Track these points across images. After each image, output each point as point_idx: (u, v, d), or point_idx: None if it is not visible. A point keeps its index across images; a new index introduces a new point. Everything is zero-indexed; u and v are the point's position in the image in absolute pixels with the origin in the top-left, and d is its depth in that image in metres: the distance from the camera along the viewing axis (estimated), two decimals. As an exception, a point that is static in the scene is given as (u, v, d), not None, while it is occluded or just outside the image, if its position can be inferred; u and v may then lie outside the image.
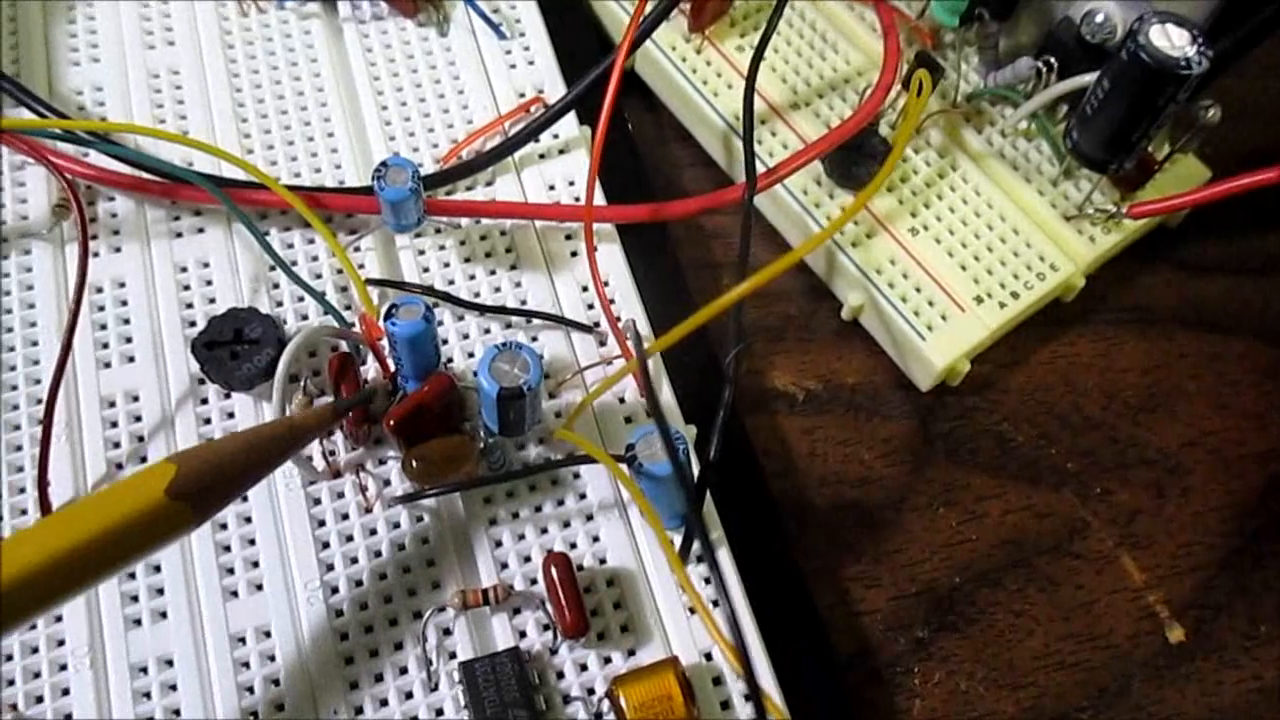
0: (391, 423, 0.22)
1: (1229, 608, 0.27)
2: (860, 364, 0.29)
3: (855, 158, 0.29)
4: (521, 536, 0.23)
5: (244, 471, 0.20)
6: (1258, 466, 0.28)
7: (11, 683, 0.21)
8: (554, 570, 0.22)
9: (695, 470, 0.23)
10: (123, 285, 0.26)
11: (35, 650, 0.22)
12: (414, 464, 0.22)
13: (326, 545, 0.23)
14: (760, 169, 0.27)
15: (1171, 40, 0.25)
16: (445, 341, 0.25)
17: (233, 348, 0.24)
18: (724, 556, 0.23)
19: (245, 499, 0.23)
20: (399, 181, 0.23)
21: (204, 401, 0.24)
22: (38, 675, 0.21)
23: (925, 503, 0.27)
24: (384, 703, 0.22)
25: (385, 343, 0.23)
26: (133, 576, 0.22)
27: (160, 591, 0.22)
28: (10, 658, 0.22)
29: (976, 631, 0.26)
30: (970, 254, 0.28)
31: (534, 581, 0.23)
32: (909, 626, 0.26)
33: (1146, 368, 0.29)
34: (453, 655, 0.22)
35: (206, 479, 0.19)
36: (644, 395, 0.21)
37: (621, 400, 0.25)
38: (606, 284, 0.26)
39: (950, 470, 0.28)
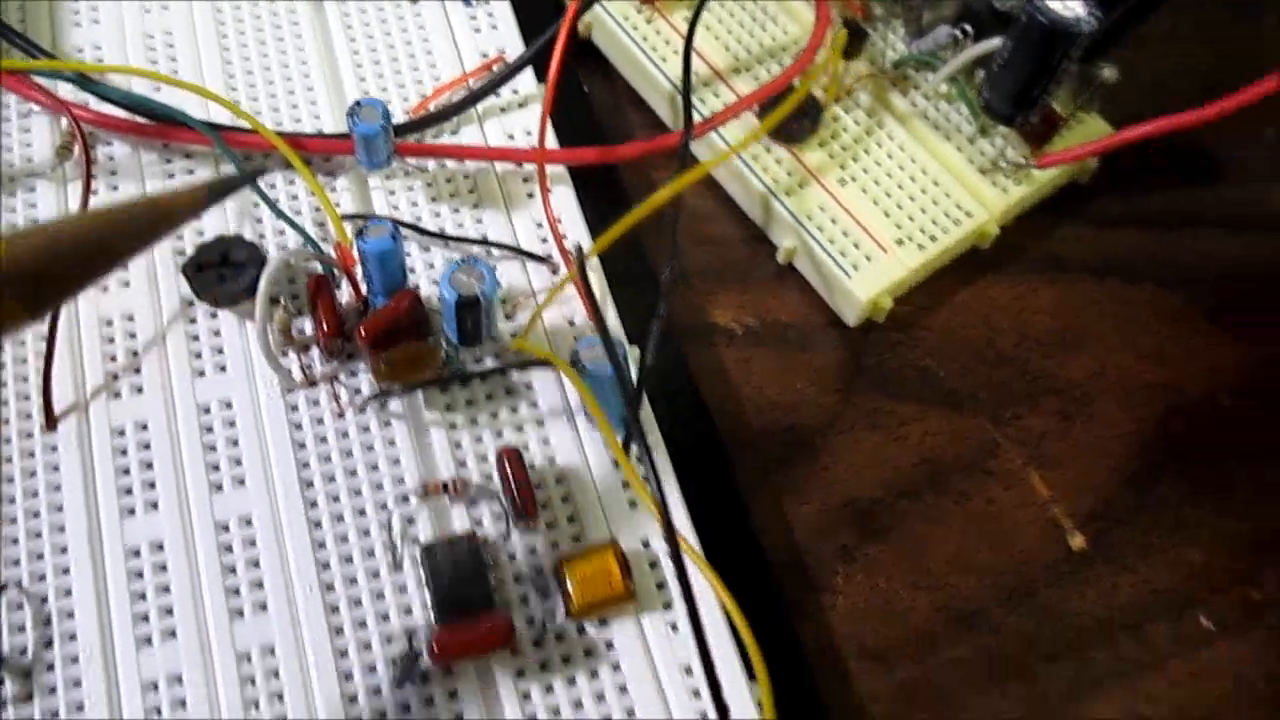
0: (363, 333, 0.25)
1: (1127, 520, 0.29)
2: (794, 304, 0.32)
3: (790, 115, 0.31)
4: (479, 439, 0.26)
5: (89, 259, 0.18)
6: (1157, 397, 0.31)
7: None
8: (507, 462, 0.24)
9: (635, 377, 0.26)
10: (119, 220, 0.28)
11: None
12: (382, 366, 0.24)
13: (303, 446, 0.26)
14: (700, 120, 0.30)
15: (1065, 3, 0.27)
16: (412, 270, 0.28)
17: (219, 270, 0.26)
18: (660, 456, 0.26)
19: (229, 405, 0.26)
20: (371, 118, 0.26)
21: (193, 321, 0.27)
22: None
23: (851, 426, 0.30)
24: (353, 581, 0.24)
25: (358, 267, 0.26)
26: (126, 472, 0.25)
27: (152, 485, 0.25)
28: None
29: (896, 539, 0.29)
30: (893, 202, 0.31)
31: (490, 478, 0.25)
32: (835, 535, 0.29)
33: (1057, 311, 0.32)
34: (415, 541, 0.25)
35: (40, 267, 0.17)
36: (584, 300, 0.24)
37: (571, 323, 0.28)
38: (559, 221, 0.29)
39: (875, 398, 0.30)
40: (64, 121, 0.28)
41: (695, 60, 0.33)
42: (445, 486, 0.25)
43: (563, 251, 0.28)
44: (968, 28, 0.31)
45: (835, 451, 0.30)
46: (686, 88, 0.29)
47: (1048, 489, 0.29)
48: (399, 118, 0.30)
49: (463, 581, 0.23)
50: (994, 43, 0.30)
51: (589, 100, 0.33)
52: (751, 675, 0.23)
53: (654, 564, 0.25)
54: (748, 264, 0.32)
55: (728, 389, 0.30)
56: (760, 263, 0.32)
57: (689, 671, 0.24)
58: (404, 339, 0.25)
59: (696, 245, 0.32)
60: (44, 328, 0.26)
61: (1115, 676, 0.27)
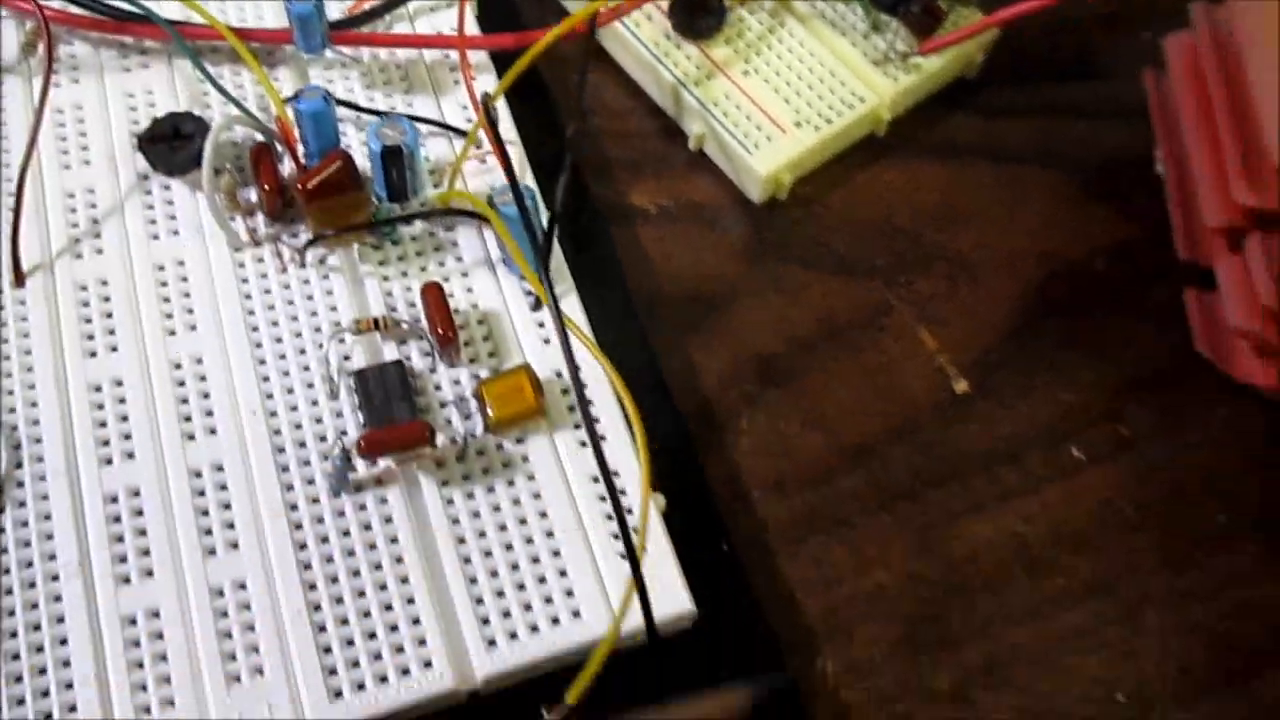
0: (300, 185, 0.27)
1: (1007, 366, 0.32)
2: (706, 187, 0.35)
3: (696, 14, 0.34)
4: (409, 289, 0.29)
5: None
6: (1037, 263, 0.34)
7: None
8: (429, 295, 0.27)
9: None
10: (80, 108, 0.31)
11: None
12: (316, 214, 0.27)
13: (249, 296, 0.28)
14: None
15: (931, -107, 0.31)
16: (348, 147, 0.31)
17: (170, 141, 0.29)
18: (572, 301, 0.29)
19: (182, 263, 0.29)
20: (305, -1, 0.29)
21: (148, 192, 0.30)
22: None
23: (756, 291, 0.33)
24: (294, 409, 0.27)
25: (298, 139, 0.29)
26: (89, 321, 0.28)
27: (112, 332, 0.28)
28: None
29: (795, 387, 0.31)
30: (792, 90, 0.34)
31: (418, 321, 0.28)
32: (739, 384, 0.31)
33: (947, 190, 0.35)
34: (350, 373, 0.27)
35: None
36: (495, 150, 0.27)
37: (492, 189, 0.30)
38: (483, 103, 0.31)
39: (779, 267, 0.33)
40: (28, 23, 0.31)
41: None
42: (376, 323, 0.27)
43: (483, 122, 0.30)
44: (857, -67, 0.34)
45: (741, 313, 0.32)
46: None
47: (935, 342, 0.32)
48: (336, 15, 0.33)
49: (390, 397, 0.26)
50: (878, -58, 0.33)
51: (515, 8, 0.36)
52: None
53: (565, 391, 0.28)
54: (663, 153, 0.35)
55: (645, 263, 0.33)
56: (674, 152, 0.35)
57: (596, 480, 0.26)
58: (339, 193, 0.28)
59: (615, 139, 0.35)
60: (10, 198, 0.28)
61: (994, 500, 0.30)
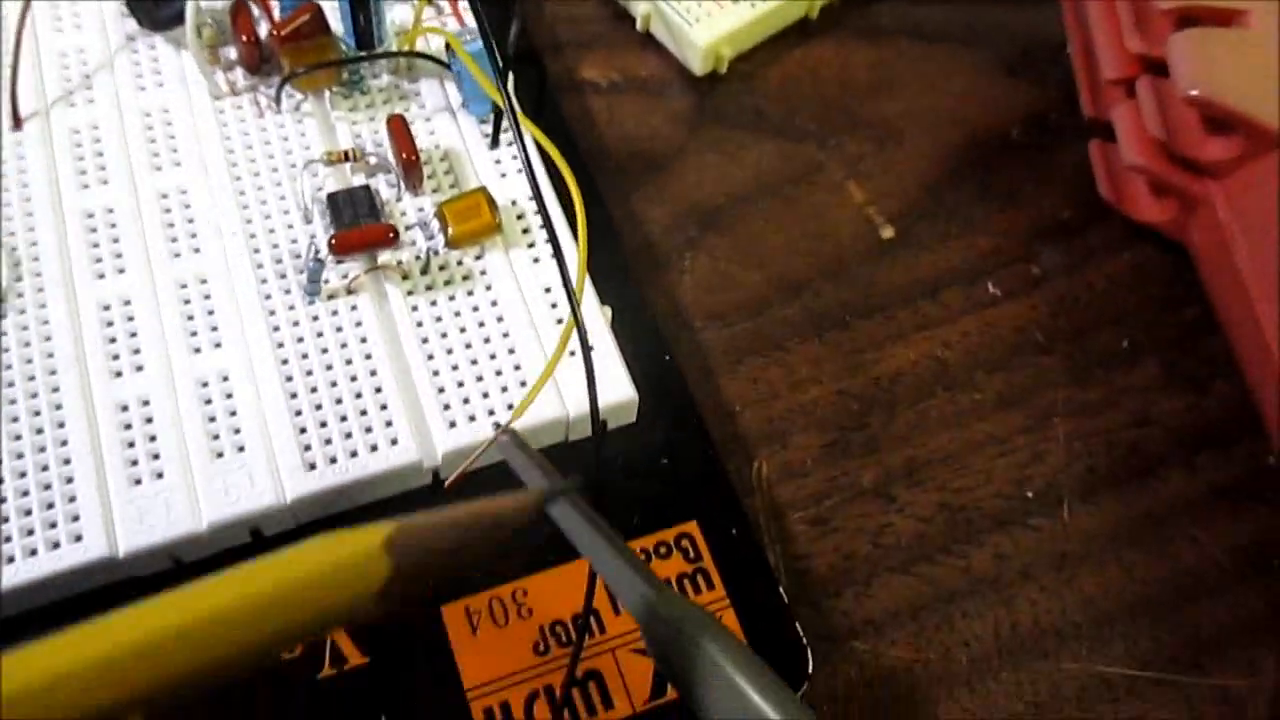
0: (275, 32, 0.30)
1: (929, 215, 0.35)
2: (652, 63, 0.37)
3: (641, -95, 0.37)
4: (376, 132, 0.31)
5: (446, 567, 0.18)
6: (958, 129, 0.37)
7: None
8: (394, 126, 0.30)
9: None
10: (71, -18, 0.34)
11: None
12: (289, 55, 0.30)
13: (229, 139, 0.31)
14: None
15: None
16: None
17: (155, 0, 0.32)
18: (527, 137, 0.31)
19: (167, 110, 0.31)
20: None
21: (135, 51, 0.32)
22: (11, 212, 0.29)
23: (699, 150, 0.36)
24: (271, 231, 0.29)
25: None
26: (82, 159, 0.30)
27: (103, 167, 0.30)
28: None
29: (734, 232, 0.34)
30: (731, -27, 0.37)
31: (386, 159, 0.31)
32: (682, 230, 0.34)
33: (873, 65, 0.38)
34: (319, 197, 0.30)
35: (417, 578, 0.17)
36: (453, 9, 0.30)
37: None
38: (444, -24, 0.34)
39: (719, 130, 0.36)
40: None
41: None
42: (346, 155, 0.30)
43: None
44: None
45: (683, 172, 0.35)
46: None
47: (863, 194, 0.35)
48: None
49: (358, 214, 0.29)
50: None
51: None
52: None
53: (520, 217, 0.30)
54: (613, 35, 0.38)
55: (596, 128, 0.36)
56: (623, 34, 0.38)
57: (548, 290, 0.29)
58: (310, 39, 0.31)
59: (569, 24, 0.38)
60: (9, 48, 0.31)
61: (916, 329, 0.33)
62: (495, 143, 0.31)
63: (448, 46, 0.30)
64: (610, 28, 0.38)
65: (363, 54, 0.31)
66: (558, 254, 0.26)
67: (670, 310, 0.33)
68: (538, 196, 0.27)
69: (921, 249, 0.34)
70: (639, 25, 0.37)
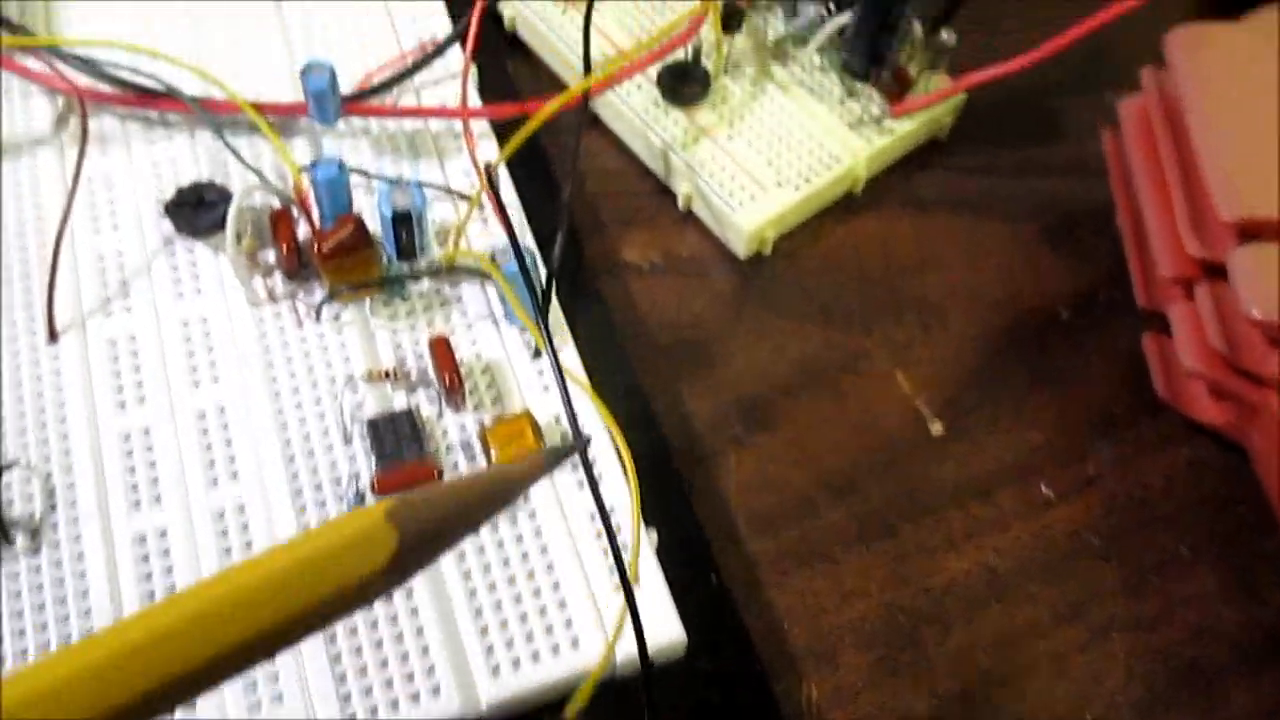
0: (316, 248, 0.30)
1: (978, 409, 0.34)
2: (694, 242, 0.37)
3: (683, 82, 0.37)
4: (417, 342, 0.31)
5: (459, 533, 0.18)
6: (1003, 309, 0.36)
7: None
8: (437, 347, 0.29)
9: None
10: (110, 177, 0.33)
11: None
12: (331, 272, 0.29)
13: (268, 350, 0.30)
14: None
15: (898, -30, 0.33)
16: (360, 211, 0.33)
17: (195, 207, 0.31)
18: (570, 352, 0.31)
19: (205, 320, 0.31)
20: (319, 75, 0.31)
21: (173, 255, 0.32)
22: (47, 437, 0.29)
23: (742, 340, 0.35)
24: (310, 454, 0.29)
25: (313, 204, 0.31)
26: (118, 375, 0.30)
27: (140, 384, 0.30)
28: None
29: (780, 428, 0.33)
30: (774, 152, 0.36)
31: (426, 371, 0.30)
32: (728, 427, 0.33)
33: (917, 241, 0.37)
34: (363, 421, 0.29)
35: (426, 547, 0.17)
36: (496, 212, 0.29)
37: (495, 250, 0.33)
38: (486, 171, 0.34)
39: (763, 315, 0.35)
40: (60, 99, 0.33)
41: (604, 44, 0.38)
42: (387, 373, 0.29)
43: (486, 190, 0.33)
44: (832, 5, 0.37)
45: (728, 361, 0.35)
46: (587, 45, 0.35)
47: (910, 385, 0.34)
48: (348, 89, 0.35)
49: (400, 441, 0.28)
50: (846, 15, 0.35)
51: (513, 81, 0.39)
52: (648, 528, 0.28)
53: (564, 435, 0.30)
54: (653, 211, 0.37)
55: (637, 313, 0.35)
56: (664, 211, 0.37)
57: (593, 517, 0.28)
58: (351, 254, 0.30)
59: (608, 198, 0.38)
60: (48, 261, 0.31)
61: (968, 535, 0.32)
62: (538, 353, 0.30)
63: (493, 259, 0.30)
64: (652, 204, 0.38)
65: (404, 275, 0.30)
66: (602, 513, 0.26)
67: (715, 515, 0.32)
68: (583, 458, 0.26)
69: (972, 444, 0.34)
70: (680, 204, 0.37)
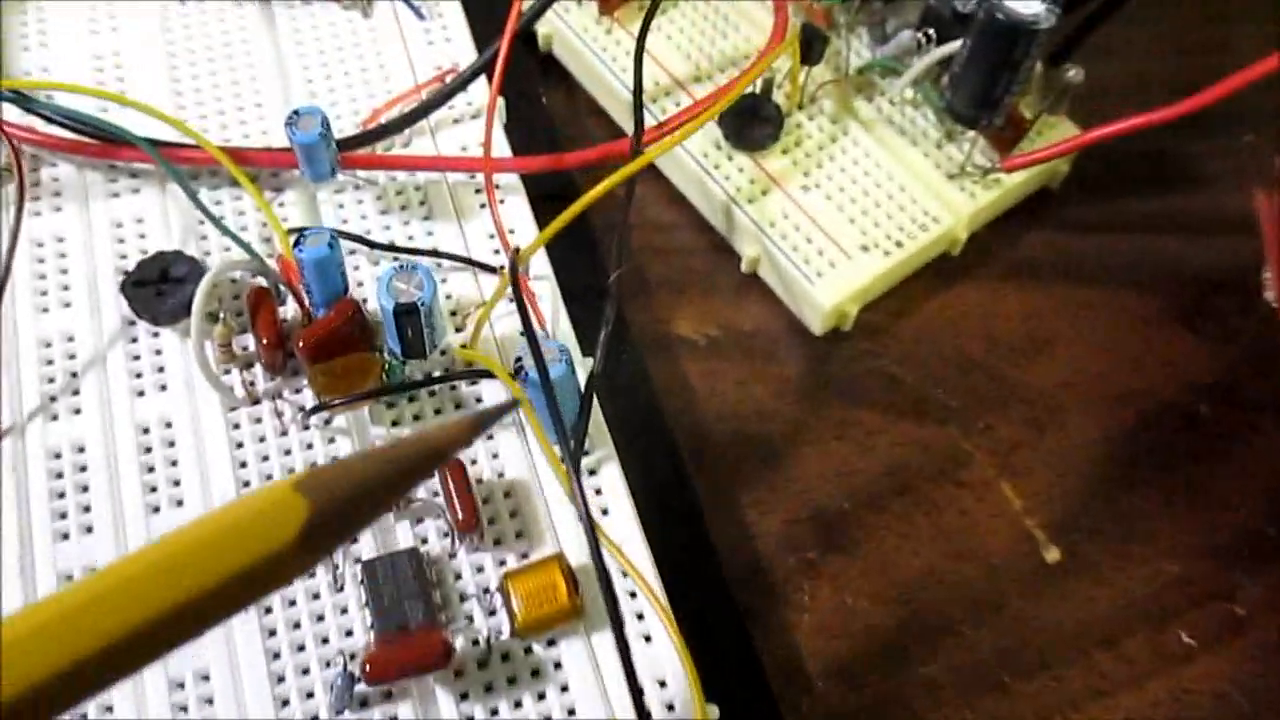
0: (301, 344, 0.24)
1: (1102, 531, 0.28)
2: (758, 313, 0.31)
3: (750, 122, 0.31)
4: (426, 455, 0.25)
5: (377, 504, 0.16)
6: (1129, 403, 0.30)
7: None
8: (448, 474, 0.24)
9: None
10: (62, 240, 0.28)
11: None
12: (320, 378, 0.24)
13: (244, 465, 0.25)
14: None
15: (1022, 1, 0.27)
16: (360, 284, 0.27)
17: (158, 286, 0.26)
18: (612, 470, 0.25)
19: (169, 424, 0.25)
20: (309, 127, 0.25)
21: (134, 340, 0.26)
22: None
23: (817, 436, 0.29)
24: (292, 603, 0.23)
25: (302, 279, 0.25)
26: (62, 495, 0.24)
27: (88, 509, 0.24)
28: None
29: (863, 552, 0.28)
30: (858, 209, 0.30)
31: (436, 494, 0.25)
32: (800, 548, 0.28)
33: (1026, 316, 0.31)
34: (358, 559, 0.24)
35: (341, 519, 0.16)
36: (515, 301, 0.23)
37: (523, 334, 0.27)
38: (512, 232, 0.28)
39: (842, 408, 0.30)
40: (3, 146, 0.28)
41: (655, 69, 0.32)
42: (388, 503, 0.24)
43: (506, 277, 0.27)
44: (930, 31, 0.31)
45: (800, 463, 0.29)
46: (638, 87, 0.29)
47: (1020, 499, 0.29)
48: (350, 131, 0.29)
49: (403, 599, 0.23)
50: (955, 45, 0.29)
51: (548, 112, 0.33)
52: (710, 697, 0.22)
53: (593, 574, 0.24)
54: (710, 274, 0.31)
55: (691, 401, 0.30)
56: (723, 272, 0.31)
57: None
58: (346, 351, 0.24)
59: (658, 256, 0.32)
60: (-21, 348, 0.25)
61: (1092, 695, 0.26)
62: (576, 465, 0.25)
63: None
64: (708, 264, 0.32)
65: (409, 383, 0.25)
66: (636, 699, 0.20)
67: (786, 661, 0.26)
68: (617, 630, 0.20)
69: (1095, 577, 0.28)
70: (744, 267, 0.31)
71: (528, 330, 0.21)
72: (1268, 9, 0.38)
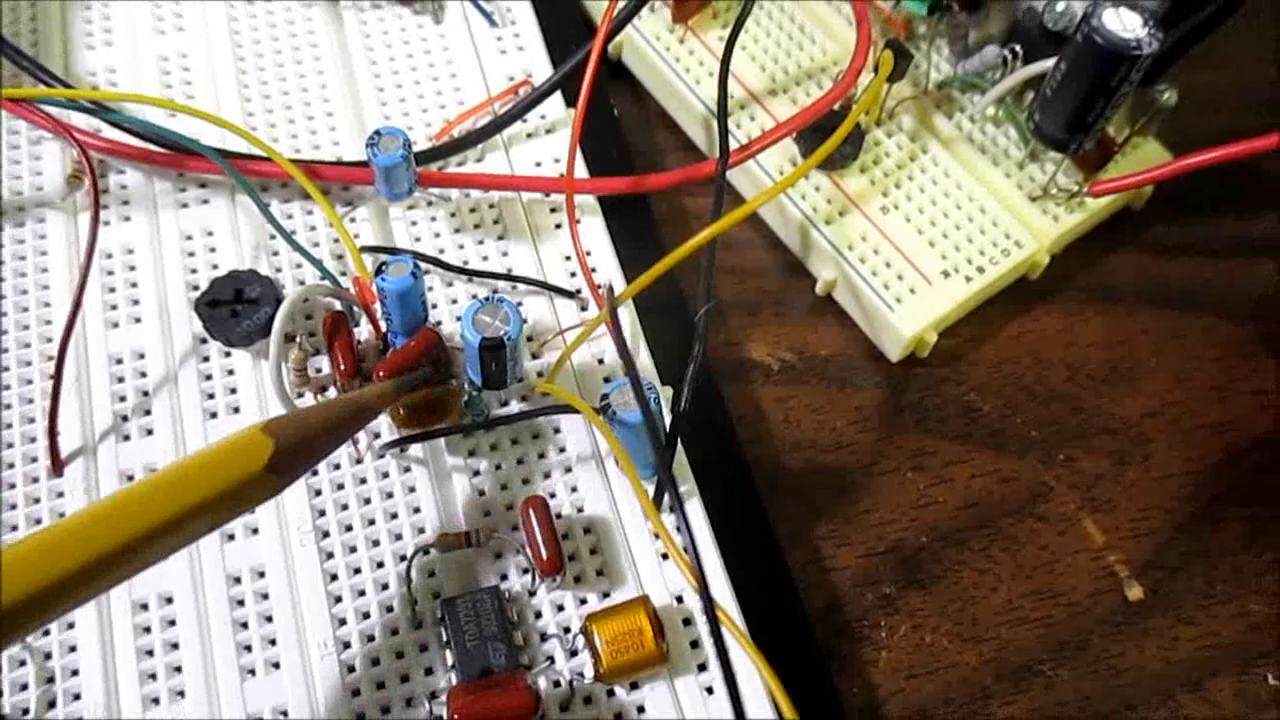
0: (381, 374, 0.23)
1: (1186, 569, 0.28)
2: (833, 337, 0.30)
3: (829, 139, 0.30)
4: (504, 486, 0.25)
5: (325, 445, 0.21)
6: (1216, 436, 0.29)
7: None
8: (531, 513, 0.23)
9: (668, 423, 0.24)
10: (131, 252, 0.27)
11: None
12: (400, 411, 0.23)
13: (319, 493, 0.24)
14: (736, 147, 0.29)
15: (1124, 23, 0.26)
16: (434, 306, 0.27)
17: (233, 306, 0.25)
18: (694, 506, 0.24)
19: (243, 449, 0.25)
20: (391, 148, 0.25)
21: (205, 359, 0.26)
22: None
23: (894, 467, 0.29)
24: (370, 639, 0.23)
25: (377, 304, 0.25)
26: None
27: (161, 534, 0.24)
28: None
29: (942, 588, 0.27)
30: (938, 231, 0.29)
31: (515, 528, 0.24)
32: (877, 583, 0.27)
33: (1110, 343, 0.31)
34: (436, 595, 0.23)
35: (298, 453, 0.20)
36: (616, 345, 0.23)
37: (601, 361, 0.26)
38: (589, 254, 0.27)
39: (919, 437, 0.29)
40: (73, 150, 0.27)
41: (731, 82, 0.31)
42: (468, 538, 0.23)
43: (592, 287, 0.27)
44: (1017, 48, 0.30)
45: (877, 494, 0.28)
46: (723, 110, 0.28)
47: (1102, 534, 0.28)
48: (421, 144, 0.29)
49: (485, 641, 0.22)
50: (1046, 64, 0.28)
51: (618, 123, 0.32)
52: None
53: (688, 620, 0.23)
54: (784, 295, 0.31)
55: (765, 428, 0.29)
56: (798, 293, 0.31)
57: (726, 739, 0.22)
58: (424, 388, 0.24)
59: (731, 275, 0.31)
60: (51, 365, 0.25)
61: (1177, 739, 0.26)
62: (658, 505, 0.24)
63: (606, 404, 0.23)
64: (782, 284, 0.31)
65: (490, 418, 0.24)
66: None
67: (865, 702, 0.26)
68: (725, 667, 0.19)
69: (1179, 618, 0.27)
70: (819, 289, 0.30)
71: (631, 377, 0.20)
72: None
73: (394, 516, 0.24)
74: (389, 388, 0.22)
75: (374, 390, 0.22)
